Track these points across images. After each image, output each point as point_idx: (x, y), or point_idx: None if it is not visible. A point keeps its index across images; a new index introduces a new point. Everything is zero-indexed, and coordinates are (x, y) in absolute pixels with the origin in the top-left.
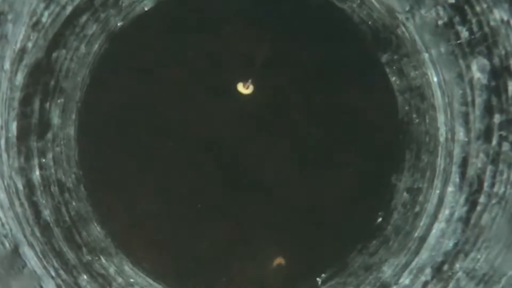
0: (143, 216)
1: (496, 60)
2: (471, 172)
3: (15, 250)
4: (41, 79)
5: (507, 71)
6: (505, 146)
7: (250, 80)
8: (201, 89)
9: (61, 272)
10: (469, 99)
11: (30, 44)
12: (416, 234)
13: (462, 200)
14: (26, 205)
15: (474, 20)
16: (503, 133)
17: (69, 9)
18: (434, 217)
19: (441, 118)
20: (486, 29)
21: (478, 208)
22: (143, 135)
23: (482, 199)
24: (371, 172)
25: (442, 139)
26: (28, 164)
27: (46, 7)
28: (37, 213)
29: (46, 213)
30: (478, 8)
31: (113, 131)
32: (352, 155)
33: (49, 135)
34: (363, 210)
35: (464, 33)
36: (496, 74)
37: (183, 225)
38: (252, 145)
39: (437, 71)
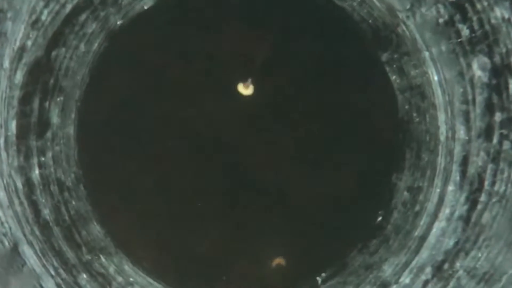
0: (143, 215)
1: (497, 58)
2: (471, 170)
3: (15, 248)
4: (40, 77)
5: (508, 69)
6: (506, 145)
7: (250, 80)
8: (201, 88)
9: (61, 271)
10: (470, 97)
11: (29, 43)
12: (416, 233)
13: (462, 198)
14: (25, 204)
15: (475, 18)
16: (504, 131)
17: (68, 7)
18: (435, 216)
19: (441, 117)
20: (487, 27)
21: (479, 206)
22: (143, 134)
23: (482, 197)
24: (371, 171)
25: (442, 137)
26: (27, 163)
27: (46, 5)
28: (36, 212)
29: (46, 212)
30: (479, 6)
31: (112, 130)
32: (352, 154)
33: (49, 134)
34: (363, 209)
35: (465, 31)
36: (497, 72)
37: (183, 224)
38: (252, 145)
39: (438, 70)
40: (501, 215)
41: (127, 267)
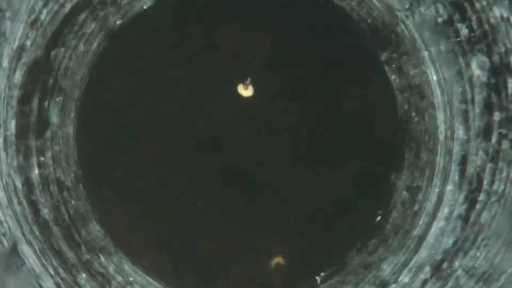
0: (142, 215)
1: (496, 58)
2: (470, 170)
3: (14, 248)
4: (39, 77)
5: (507, 69)
6: (505, 144)
7: (249, 79)
8: (200, 88)
9: (60, 270)
10: (469, 97)
11: (28, 42)
12: (415, 233)
13: (461, 198)
14: (24, 203)
15: (474, 18)
16: (503, 131)
17: (67, 7)
18: (433, 215)
19: (440, 116)
20: (486, 26)
21: (478, 206)
22: (142, 134)
23: (481, 197)
24: (370, 171)
25: (441, 137)
26: (27, 163)
27: (45, 5)
28: (36, 212)
29: (45, 212)
30: (478, 5)
31: (112, 130)
32: (351, 154)
33: (48, 134)
34: (363, 208)
35: (464, 31)
36: (496, 71)
37: (182, 224)
38: (252, 144)
39: (437, 69)
40: (500, 214)
41: (127, 266)
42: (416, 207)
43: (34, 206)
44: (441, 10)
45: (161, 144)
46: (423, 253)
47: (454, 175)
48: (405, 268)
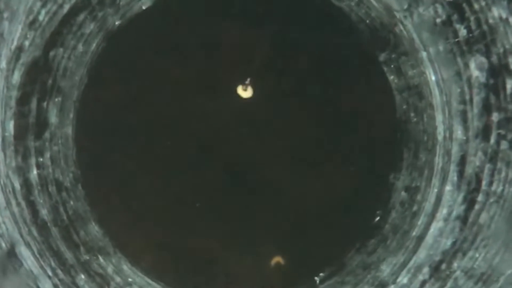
0: (141, 215)
1: (494, 58)
2: (469, 170)
3: (12, 250)
4: (38, 78)
5: (505, 69)
6: (504, 145)
7: (249, 79)
8: (200, 89)
9: (59, 271)
10: (467, 97)
11: (27, 43)
12: (414, 233)
13: (460, 198)
14: (23, 204)
15: (472, 18)
16: (502, 131)
17: (66, 7)
18: (432, 216)
19: (439, 117)
20: (485, 27)
21: (476, 206)
22: (141, 134)
23: (480, 197)
24: (369, 171)
25: (440, 137)
26: (25, 164)
27: (43, 5)
28: (34, 213)
29: (44, 213)
30: (476, 6)
31: (111, 130)
32: (350, 154)
33: (47, 134)
34: (361, 209)
35: (462, 31)
36: (495, 72)
37: (182, 224)
38: (251, 144)
39: (435, 70)
40: (499, 215)
41: (126, 267)
42: (415, 208)
43: (32, 207)
44: (439, 10)
45: (160, 145)
46: (422, 254)
47: (453, 176)
48: (404, 268)
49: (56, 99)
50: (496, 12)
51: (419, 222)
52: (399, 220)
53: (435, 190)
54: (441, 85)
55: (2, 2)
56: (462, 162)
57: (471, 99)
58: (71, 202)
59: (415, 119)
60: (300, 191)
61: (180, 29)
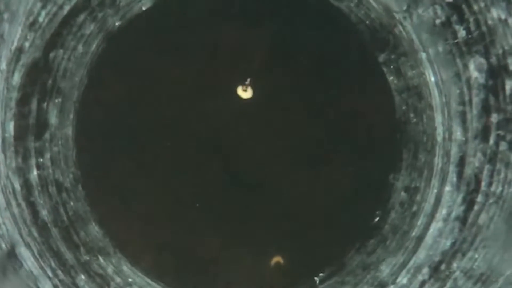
0: (141, 216)
1: (493, 59)
2: (468, 171)
3: (12, 250)
4: (38, 79)
5: (504, 70)
6: (503, 146)
7: (249, 80)
8: (200, 89)
9: (59, 272)
10: (467, 98)
11: (27, 44)
12: (413, 234)
13: (459, 199)
14: (23, 205)
15: (471, 19)
16: (501, 132)
17: (66, 8)
18: (432, 216)
19: (438, 118)
20: (484, 28)
21: (476, 207)
22: (140, 135)
23: (479, 198)
24: (369, 172)
25: (439, 138)
26: (25, 164)
27: (43, 7)
28: (34, 214)
29: (44, 213)
30: (475, 7)
31: (111, 131)
32: (350, 155)
33: (47, 135)
34: (361, 209)
35: (462, 32)
36: (494, 73)
37: (182, 224)
38: (251, 144)
39: (435, 71)
40: (498, 215)
41: (126, 267)
42: (414, 208)
43: (32, 207)
44: (439, 11)
45: (160, 145)
46: (421, 254)
47: (452, 176)
48: (404, 269)
49: (56, 100)
50: (495, 13)
51: (419, 223)
52: (399, 220)
53: (435, 190)
54: (441, 86)
55: (2, 3)
56: (462, 163)
57: (470, 100)
58: (71, 203)
59: (414, 120)
60: (300, 191)
61: (180, 29)
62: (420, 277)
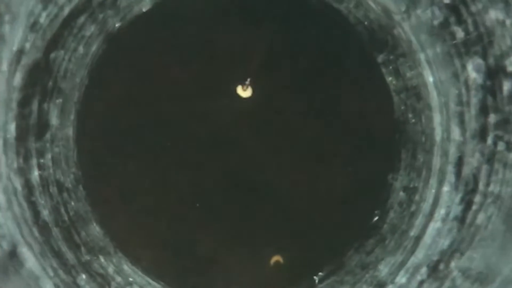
0: (142, 216)
1: (491, 60)
2: (466, 171)
3: (13, 250)
4: (39, 80)
5: (502, 71)
6: (501, 146)
7: (249, 80)
8: (199, 90)
9: (60, 272)
10: (465, 99)
11: (28, 45)
12: (412, 233)
13: (457, 199)
14: (24, 205)
15: (469, 20)
16: (499, 132)
17: (67, 10)
18: (430, 216)
19: (437, 118)
20: (482, 29)
21: (474, 207)
22: (141, 135)
23: (477, 198)
24: (367, 171)
25: (438, 138)
26: (26, 165)
27: (44, 8)
28: (35, 214)
29: (45, 213)
30: (473, 8)
31: (111, 131)
32: (348, 155)
33: (48, 136)
34: (360, 209)
35: (460, 33)
36: (492, 74)
37: (182, 224)
38: (251, 144)
39: (433, 71)
40: (496, 215)
41: (126, 267)
42: (413, 208)
43: (33, 207)
44: (437, 12)
45: (161, 145)
46: (420, 254)
47: (451, 176)
48: (402, 268)
49: (57, 101)
50: (493, 14)
51: (417, 223)
52: (398, 220)
53: (433, 190)
54: (439, 86)
55: (3, 4)
56: (460, 163)
57: (468, 101)
58: (72, 203)
59: (413, 120)
60: (299, 191)
61: (179, 30)
62: (418, 277)
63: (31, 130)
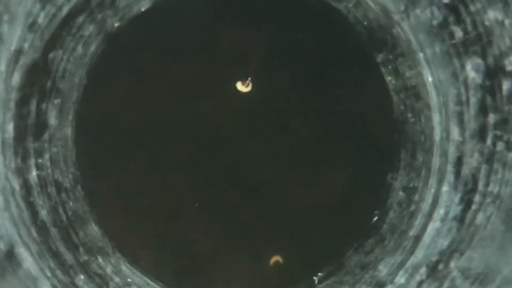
0: (140, 216)
1: (490, 60)
2: (466, 171)
3: (11, 251)
4: (37, 80)
5: (501, 71)
6: (500, 146)
7: (249, 78)
8: (199, 89)
9: (58, 272)
10: (464, 98)
11: (26, 45)
12: (411, 233)
13: (457, 199)
14: (22, 206)
15: (468, 20)
16: (498, 132)
17: (65, 9)
18: (429, 216)
19: (436, 118)
20: (481, 28)
21: (473, 207)
22: (140, 135)
23: (476, 198)
24: (367, 171)
25: (437, 138)
26: (25, 165)
27: (42, 8)
28: (33, 214)
29: (43, 214)
30: (472, 8)
31: (110, 131)
32: (347, 154)
33: (46, 136)
34: (359, 209)
35: (459, 33)
36: (491, 73)
37: (181, 224)
38: (251, 144)
39: (432, 71)
40: (495, 215)
41: (125, 267)
42: (412, 208)
43: (32, 208)
44: (436, 12)
45: (160, 145)
46: (419, 254)
47: (450, 176)
48: (402, 268)
49: (56, 101)
50: (492, 14)
51: (417, 222)
52: (397, 220)
53: (432, 190)
54: (438, 86)
55: (1, 4)
56: (459, 162)
57: (467, 100)
58: (71, 203)
59: (412, 120)
60: (298, 191)
61: (179, 30)
62: (418, 277)
63: (29, 130)
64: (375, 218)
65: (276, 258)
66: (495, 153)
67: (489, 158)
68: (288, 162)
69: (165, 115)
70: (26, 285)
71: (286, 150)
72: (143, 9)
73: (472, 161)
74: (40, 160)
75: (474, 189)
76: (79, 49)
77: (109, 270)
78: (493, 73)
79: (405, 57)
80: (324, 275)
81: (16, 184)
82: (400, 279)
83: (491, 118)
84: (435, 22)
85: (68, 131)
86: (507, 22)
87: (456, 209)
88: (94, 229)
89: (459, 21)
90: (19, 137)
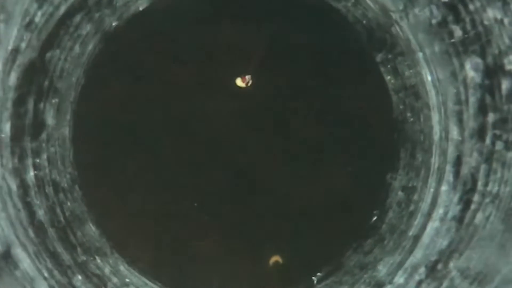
0: (138, 216)
1: (489, 59)
2: (465, 171)
3: (7, 251)
4: (35, 79)
5: (500, 70)
6: (499, 145)
7: (249, 76)
8: (198, 88)
9: (55, 273)
10: (463, 98)
11: (23, 44)
12: (410, 233)
13: (456, 199)
14: (19, 206)
15: (467, 19)
16: (497, 132)
17: (62, 9)
18: (429, 216)
19: (435, 117)
20: (480, 28)
21: (472, 207)
22: (138, 135)
23: (476, 198)
24: (366, 171)
25: (436, 137)
26: (22, 165)
27: (39, 7)
28: (31, 214)
29: (40, 214)
30: (471, 7)
31: (108, 131)
32: (347, 154)
33: (44, 136)
34: (359, 208)
35: (458, 32)
36: (490, 73)
37: (179, 224)
38: (250, 144)
39: (431, 70)
40: (494, 215)
41: (123, 267)
42: (411, 208)
43: (29, 208)
44: (435, 11)
45: (158, 145)
46: (418, 254)
47: (449, 176)
48: (401, 268)
49: (53, 100)
50: (491, 13)
51: (416, 222)
52: (396, 220)
53: (432, 190)
54: (437, 85)
55: None
56: (458, 162)
57: (466, 100)
58: (68, 203)
59: (411, 119)
60: (298, 191)
61: (177, 29)
62: (417, 277)
63: (26, 130)
64: (374, 218)
65: (275, 258)
66: (494, 152)
67: (488, 158)
68: (287, 162)
69: (164, 115)
70: (23, 286)
71: (285, 149)
72: (141, 8)
73: (471, 160)
74: (37, 160)
75: (473, 189)
76: (77, 48)
77: (107, 270)
78: (492, 73)
79: (404, 56)
80: (323, 275)
81: (13, 184)
82: (399, 279)
83: (490, 117)
84: (434, 21)
85: (66, 131)
86: (506, 21)
87: (455, 209)
88: (92, 229)
89: (458, 20)
90: (16, 136)
